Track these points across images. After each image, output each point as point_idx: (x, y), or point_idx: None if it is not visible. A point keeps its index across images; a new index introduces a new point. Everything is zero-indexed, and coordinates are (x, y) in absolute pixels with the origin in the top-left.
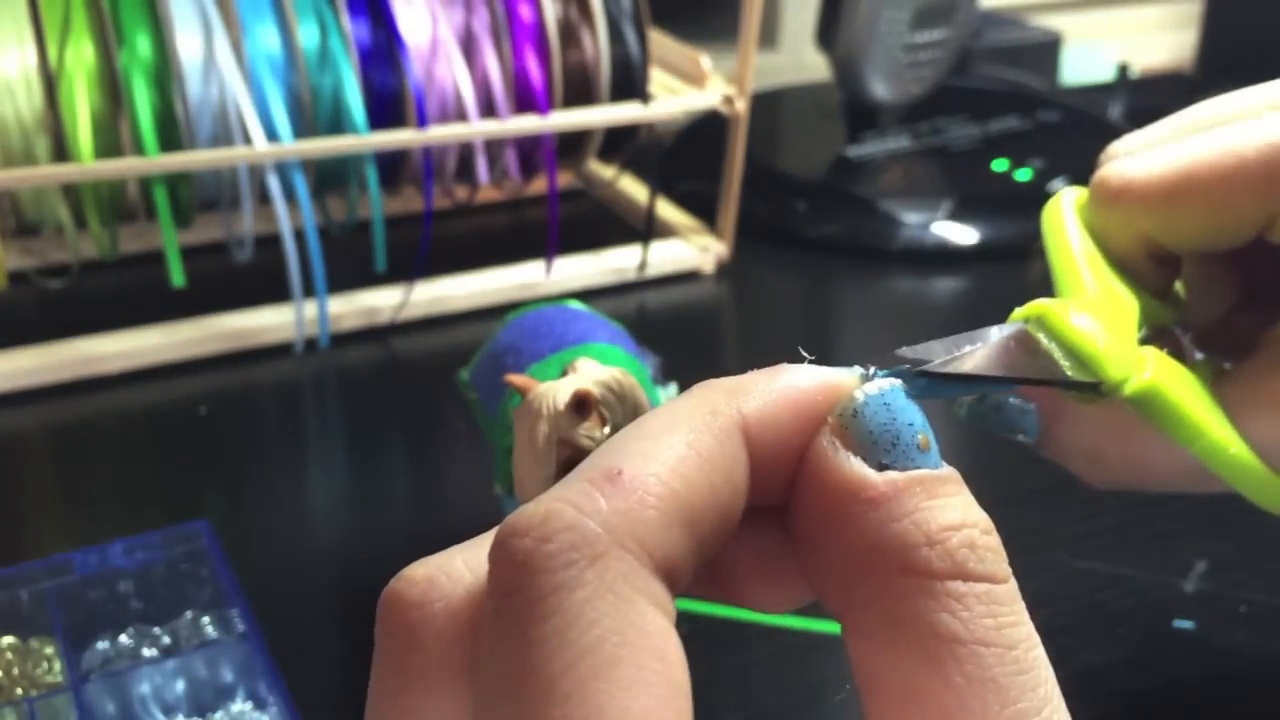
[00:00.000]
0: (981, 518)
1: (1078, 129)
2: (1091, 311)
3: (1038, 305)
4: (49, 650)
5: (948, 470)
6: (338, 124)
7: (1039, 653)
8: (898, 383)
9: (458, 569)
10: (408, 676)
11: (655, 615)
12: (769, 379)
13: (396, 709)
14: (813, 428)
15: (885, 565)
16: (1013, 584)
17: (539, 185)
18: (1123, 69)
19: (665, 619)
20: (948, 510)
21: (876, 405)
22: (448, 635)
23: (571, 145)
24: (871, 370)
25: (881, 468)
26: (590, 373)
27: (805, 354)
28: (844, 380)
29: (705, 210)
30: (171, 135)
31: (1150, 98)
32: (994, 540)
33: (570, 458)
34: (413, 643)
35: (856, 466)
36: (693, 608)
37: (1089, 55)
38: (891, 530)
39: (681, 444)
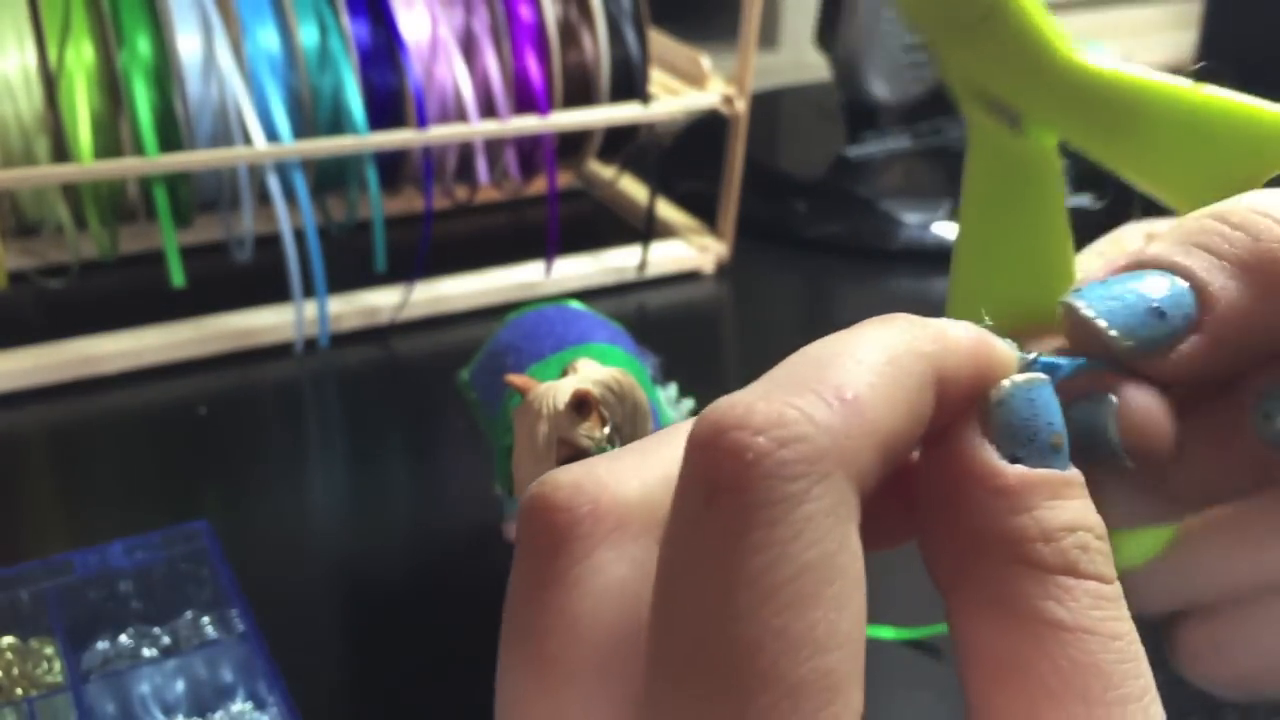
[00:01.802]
0: (1097, 522)
1: None
2: None
3: None
4: (49, 650)
5: (1073, 473)
6: (338, 124)
7: (1139, 648)
8: (1046, 378)
9: (600, 477)
10: (553, 573)
11: (858, 543)
12: (966, 335)
13: (540, 605)
14: (978, 394)
15: (1000, 552)
16: (1118, 587)
17: (539, 185)
18: None
19: (860, 546)
20: (1067, 511)
21: (1022, 399)
22: (596, 536)
23: (571, 145)
24: (1032, 356)
25: (1014, 460)
26: (590, 373)
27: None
28: (1008, 358)
29: (705, 210)
30: (171, 135)
31: None
32: (1105, 546)
33: (570, 458)
34: (557, 545)
35: (990, 455)
36: None
37: (1089, 55)
38: (1012, 522)
39: (895, 382)
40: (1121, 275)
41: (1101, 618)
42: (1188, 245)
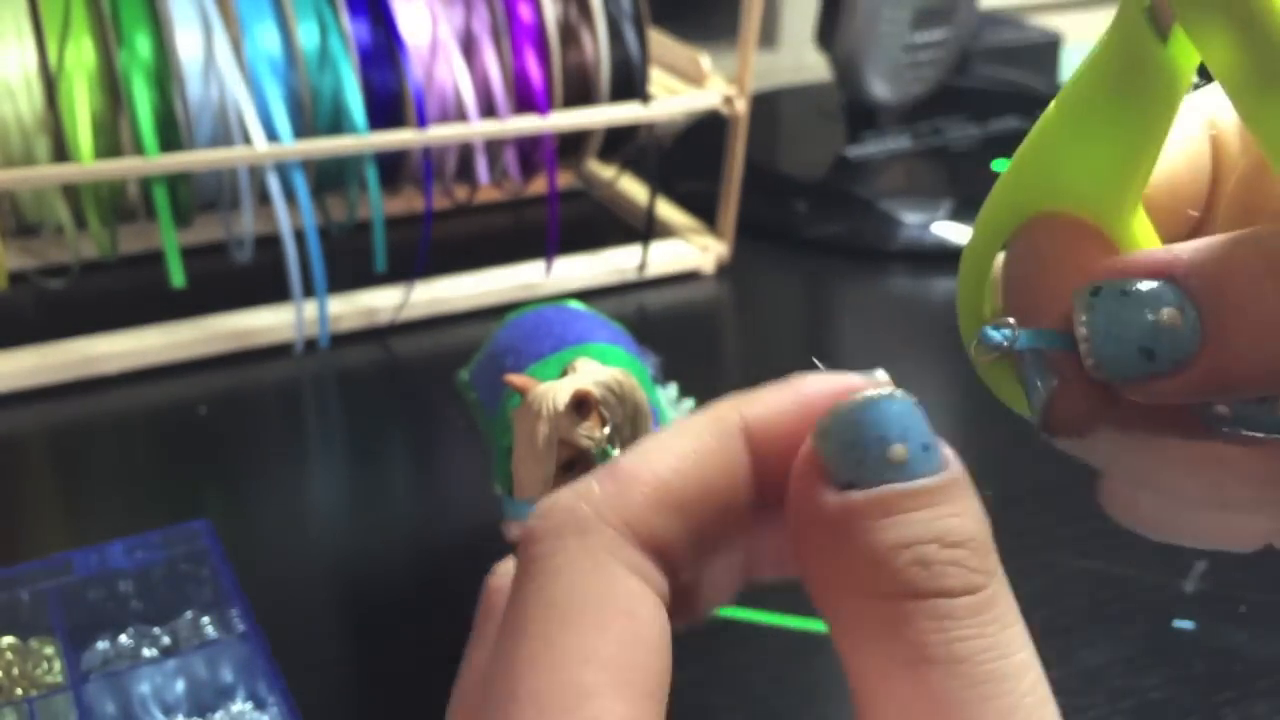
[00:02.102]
0: (949, 529)
1: None
2: None
3: None
4: (49, 650)
5: (919, 483)
6: (338, 124)
7: (1003, 663)
8: (880, 392)
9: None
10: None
11: (630, 579)
12: (776, 387)
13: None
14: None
15: (841, 584)
16: (981, 595)
17: (539, 185)
18: None
19: (642, 584)
20: (899, 527)
21: (844, 421)
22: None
23: (571, 145)
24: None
25: (849, 485)
26: (590, 373)
27: (817, 362)
28: (851, 383)
29: (705, 210)
30: (171, 135)
31: None
32: (958, 553)
33: (570, 458)
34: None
35: (816, 489)
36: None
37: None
38: (844, 553)
39: (679, 443)
40: (1144, 282)
41: (946, 640)
42: (1242, 276)
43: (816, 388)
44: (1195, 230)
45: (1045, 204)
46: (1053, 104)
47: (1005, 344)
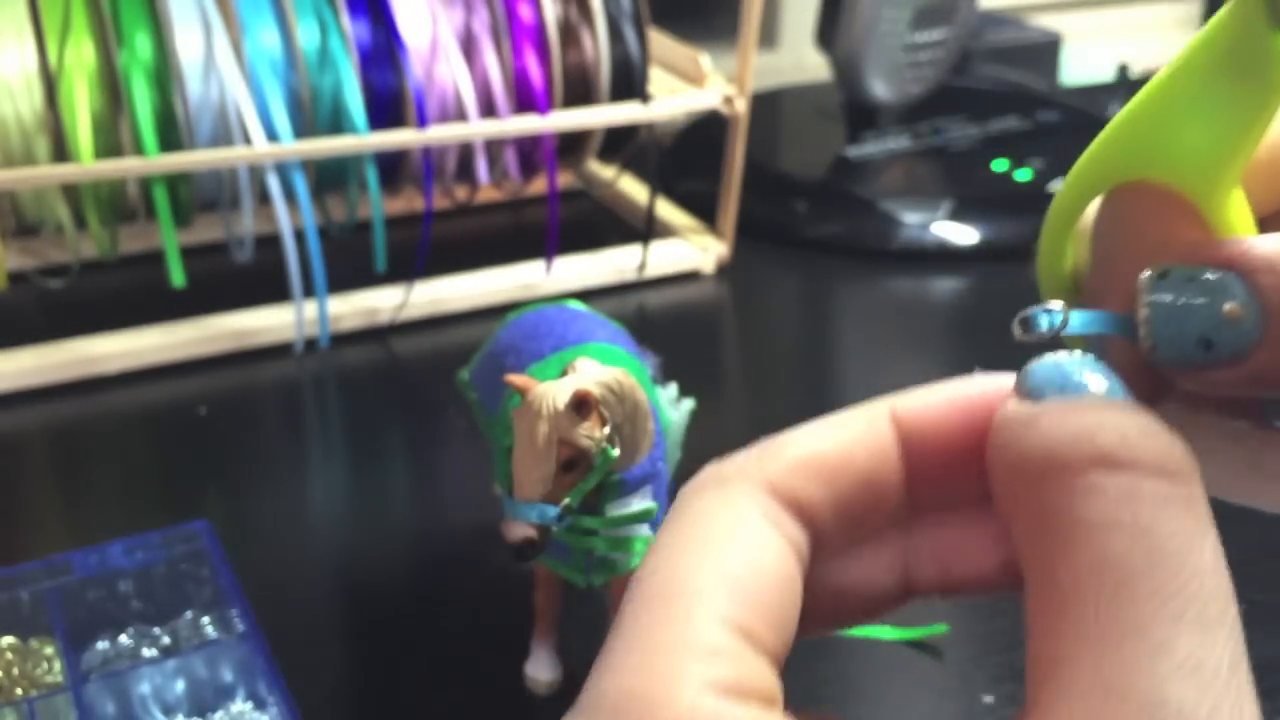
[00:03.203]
0: (1147, 423)
1: (1078, 129)
2: None
3: None
4: (49, 650)
5: (1121, 399)
6: (338, 124)
7: (1193, 551)
8: (1076, 353)
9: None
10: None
11: (760, 522)
12: (930, 386)
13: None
14: (974, 417)
15: (1033, 469)
16: (1180, 490)
17: (539, 185)
18: (1123, 69)
19: (773, 530)
20: (1099, 411)
21: (1048, 364)
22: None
23: (571, 145)
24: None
25: None
26: (590, 373)
27: (978, 369)
28: (1007, 385)
29: (705, 210)
30: (171, 135)
31: None
32: (1159, 442)
33: (570, 458)
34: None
35: (1017, 403)
36: None
37: (1089, 55)
38: (1040, 436)
39: (824, 425)
40: (1212, 271)
41: (1135, 514)
42: None
43: (969, 386)
44: None
45: (1141, 172)
46: (1160, 74)
47: (1052, 330)
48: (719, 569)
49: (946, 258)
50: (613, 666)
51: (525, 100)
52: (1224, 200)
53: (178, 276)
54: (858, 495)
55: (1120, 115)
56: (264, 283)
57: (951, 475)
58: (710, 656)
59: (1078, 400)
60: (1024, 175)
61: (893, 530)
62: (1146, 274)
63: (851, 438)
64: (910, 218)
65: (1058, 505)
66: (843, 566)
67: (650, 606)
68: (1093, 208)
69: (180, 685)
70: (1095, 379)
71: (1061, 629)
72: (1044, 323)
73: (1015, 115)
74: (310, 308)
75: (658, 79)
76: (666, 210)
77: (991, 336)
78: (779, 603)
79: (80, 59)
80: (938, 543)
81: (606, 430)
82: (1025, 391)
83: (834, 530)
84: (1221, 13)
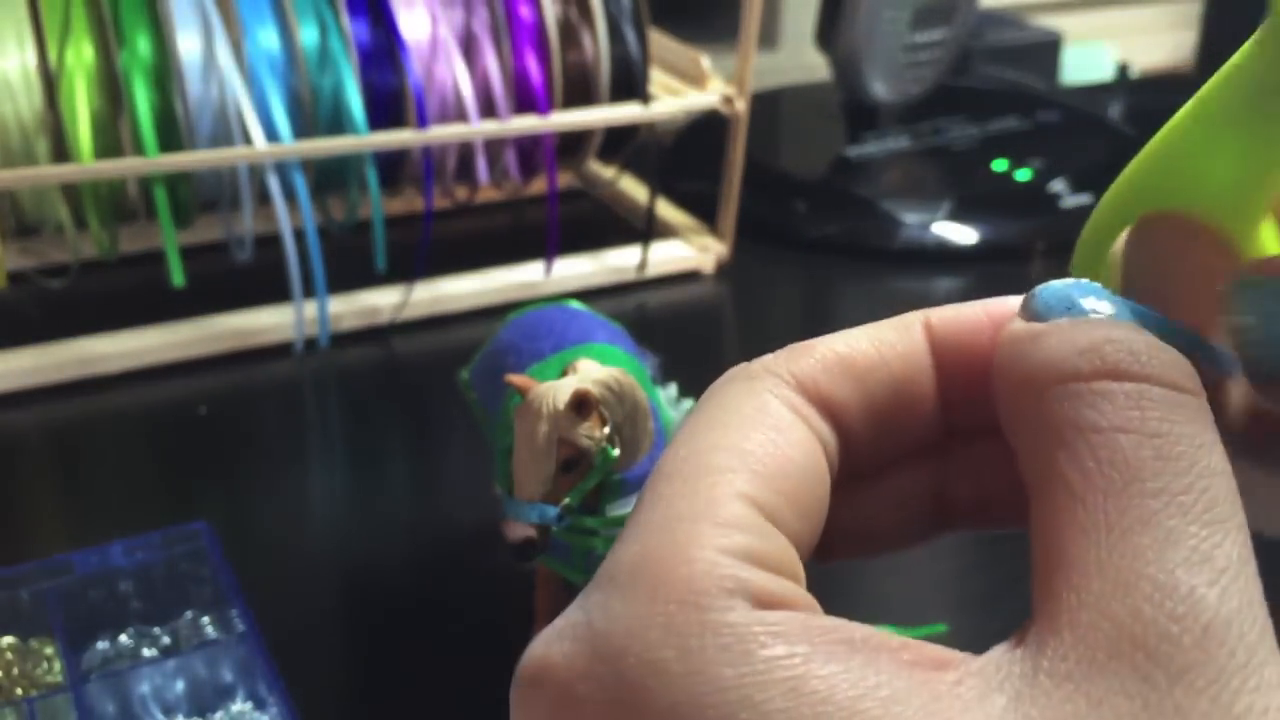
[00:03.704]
0: (1154, 341)
1: (1078, 129)
2: None
3: None
4: (49, 650)
5: (1129, 321)
6: (338, 124)
7: (1201, 454)
8: (1084, 280)
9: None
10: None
11: (784, 410)
12: (963, 303)
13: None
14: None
15: (1040, 381)
16: (1189, 399)
17: (539, 185)
18: (1123, 69)
19: (798, 419)
20: (1107, 329)
21: (1055, 287)
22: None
23: (571, 145)
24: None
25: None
26: (590, 373)
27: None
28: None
29: (705, 210)
30: (171, 135)
31: (1150, 98)
32: (1168, 356)
33: (570, 457)
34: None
35: (1024, 322)
36: None
37: (1089, 55)
38: (1048, 348)
39: (857, 330)
40: None
41: (1142, 417)
42: None
43: (1003, 302)
44: None
45: (1170, 202)
46: (1190, 104)
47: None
48: (742, 449)
49: (946, 258)
50: (631, 536)
51: (525, 100)
52: (1256, 230)
53: (178, 276)
54: (889, 399)
55: (1149, 147)
56: (264, 283)
57: (984, 392)
58: (730, 527)
59: (1085, 318)
60: (1024, 175)
61: (927, 451)
62: (1232, 285)
63: (883, 341)
64: (910, 218)
65: (1065, 412)
66: (875, 484)
67: (671, 482)
68: (1121, 239)
69: (180, 685)
70: (1103, 304)
71: (1069, 528)
72: (1083, 300)
73: (1015, 115)
74: (310, 307)
75: (658, 79)
76: (666, 210)
77: None
78: (804, 490)
79: (80, 59)
80: (973, 463)
81: (606, 430)
82: (1031, 312)
83: (864, 434)
84: (1247, 45)
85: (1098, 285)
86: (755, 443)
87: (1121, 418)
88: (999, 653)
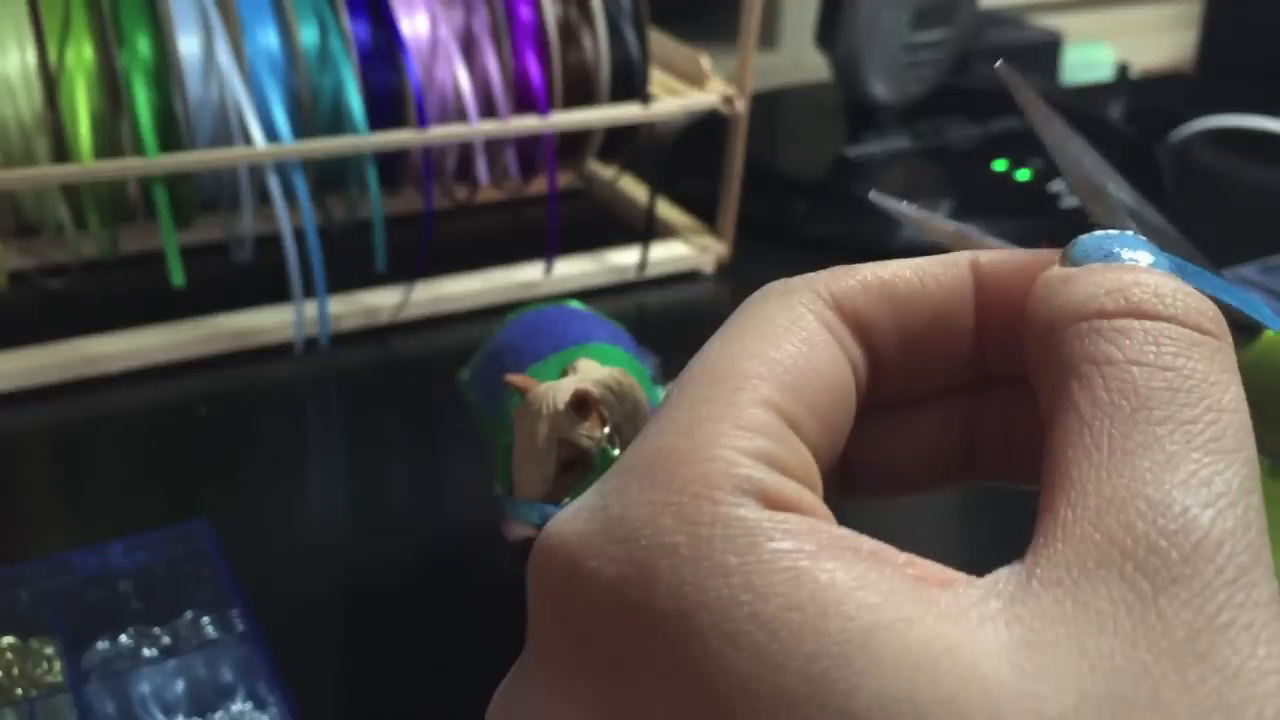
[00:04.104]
0: (1183, 286)
1: (1078, 129)
2: None
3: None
4: (49, 650)
5: (1164, 270)
6: (338, 124)
7: (1215, 390)
8: (1128, 232)
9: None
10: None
11: (817, 326)
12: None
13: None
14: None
15: (1066, 318)
16: (1209, 340)
17: (539, 185)
18: (1123, 69)
19: (829, 336)
20: (1136, 272)
21: (1097, 236)
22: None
23: (571, 145)
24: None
25: None
26: (590, 373)
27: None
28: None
29: (705, 210)
30: (171, 135)
31: (1150, 98)
32: (1193, 300)
33: (570, 458)
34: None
35: (1059, 267)
36: None
37: (1089, 55)
38: (1077, 288)
39: (902, 260)
40: None
41: (1158, 352)
42: None
43: (1052, 253)
44: None
45: None
46: None
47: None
48: (770, 358)
49: None
50: (654, 432)
51: (525, 100)
52: None
53: (178, 276)
54: (925, 328)
55: None
56: (264, 283)
57: (1021, 338)
58: (751, 430)
59: (1118, 264)
60: (1024, 175)
61: (957, 392)
62: None
63: (927, 272)
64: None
65: (1085, 347)
66: (903, 419)
67: (698, 384)
68: None
69: (180, 685)
70: (1140, 253)
71: (1074, 449)
72: (1121, 249)
73: (1015, 115)
74: (310, 307)
75: (658, 79)
76: (666, 210)
77: None
78: (829, 405)
79: (80, 59)
80: (1001, 411)
81: (606, 430)
82: (1070, 260)
83: (896, 361)
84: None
85: (1140, 238)
86: (785, 352)
87: (1138, 352)
88: (1002, 570)
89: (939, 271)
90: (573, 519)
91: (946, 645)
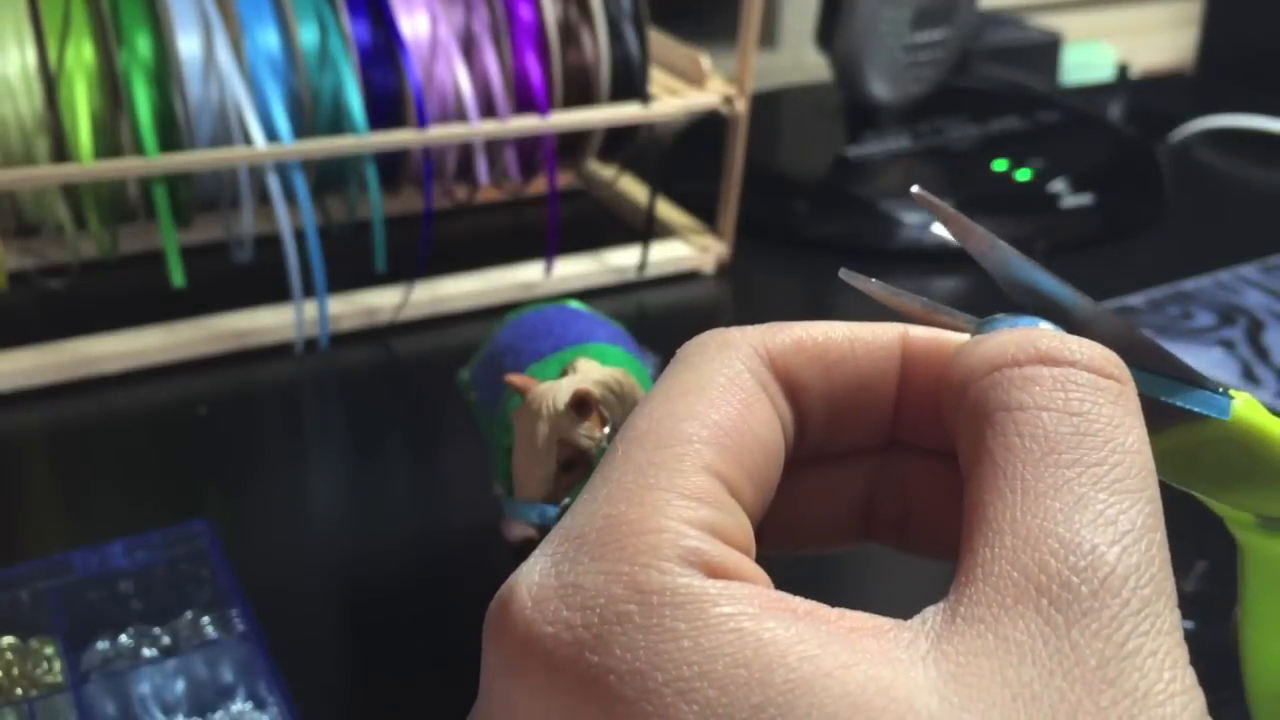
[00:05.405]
0: (1088, 340)
1: (1078, 129)
2: None
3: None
4: (49, 650)
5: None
6: (338, 124)
7: (1119, 432)
8: (1037, 319)
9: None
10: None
11: (753, 385)
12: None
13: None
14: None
15: (978, 371)
16: (1113, 385)
17: (539, 185)
18: (1123, 69)
19: (764, 396)
20: (1042, 328)
21: (1011, 315)
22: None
23: (571, 145)
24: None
25: None
26: (590, 373)
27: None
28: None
29: (705, 210)
30: (171, 135)
31: (1150, 98)
32: (1098, 349)
33: (570, 458)
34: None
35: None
36: None
37: (1089, 55)
38: (989, 344)
39: (838, 322)
40: None
41: (1066, 398)
42: None
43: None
44: None
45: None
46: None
47: None
48: (712, 420)
49: (946, 258)
50: (602, 495)
51: (525, 100)
52: None
53: (178, 276)
54: (850, 394)
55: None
56: (264, 283)
57: (936, 414)
58: (695, 499)
59: (1028, 327)
60: (1024, 175)
61: (868, 455)
62: None
63: (859, 339)
64: (910, 218)
65: (997, 396)
66: (813, 474)
67: (643, 445)
68: None
69: (180, 685)
70: (1045, 324)
71: (992, 491)
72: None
73: (1015, 115)
74: (310, 308)
75: (658, 79)
76: (666, 210)
77: None
78: (763, 465)
79: (80, 59)
80: (905, 479)
81: (606, 430)
82: (984, 331)
83: (819, 421)
84: (1243, 557)
85: (1046, 322)
86: (724, 414)
87: (1046, 398)
88: (928, 610)
89: (870, 339)
90: (526, 578)
91: (881, 686)
